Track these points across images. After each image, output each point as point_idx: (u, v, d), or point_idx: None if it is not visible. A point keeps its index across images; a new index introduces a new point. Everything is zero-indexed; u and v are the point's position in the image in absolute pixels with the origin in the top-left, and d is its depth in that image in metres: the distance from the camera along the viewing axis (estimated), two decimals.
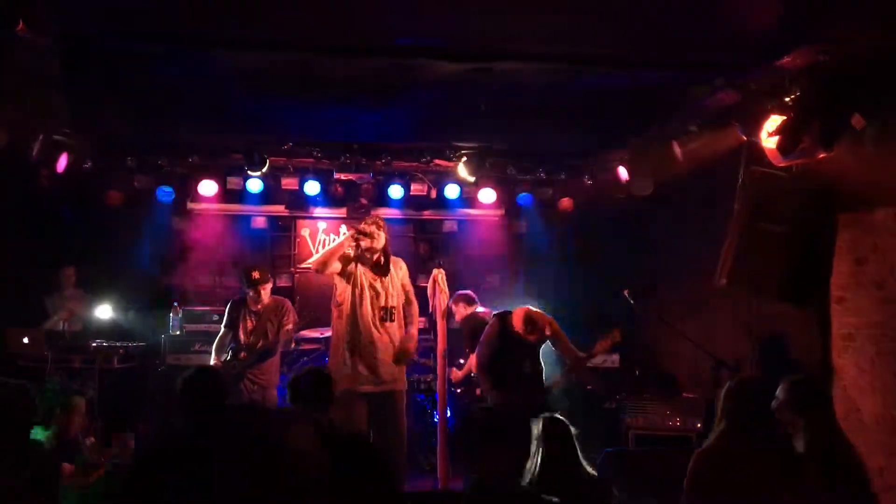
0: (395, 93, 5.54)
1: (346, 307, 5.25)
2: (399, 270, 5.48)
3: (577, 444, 3.53)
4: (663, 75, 4.99)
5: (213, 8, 4.11)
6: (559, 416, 3.60)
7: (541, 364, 5.46)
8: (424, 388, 6.84)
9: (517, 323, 5.30)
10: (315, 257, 5.30)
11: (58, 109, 5.57)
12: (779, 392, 3.35)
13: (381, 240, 5.32)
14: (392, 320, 5.33)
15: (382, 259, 5.36)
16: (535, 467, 3.37)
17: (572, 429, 3.57)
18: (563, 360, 5.61)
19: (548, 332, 5.36)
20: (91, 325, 7.24)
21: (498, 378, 5.39)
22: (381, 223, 5.37)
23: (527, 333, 5.27)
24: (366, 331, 5.22)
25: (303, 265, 8.46)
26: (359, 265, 5.29)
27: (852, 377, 4.80)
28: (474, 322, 6.32)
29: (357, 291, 5.25)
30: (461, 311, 6.54)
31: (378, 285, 5.31)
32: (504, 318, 5.45)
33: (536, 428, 3.49)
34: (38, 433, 3.97)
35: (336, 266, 5.26)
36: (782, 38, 4.21)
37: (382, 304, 5.29)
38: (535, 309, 5.45)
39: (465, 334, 6.43)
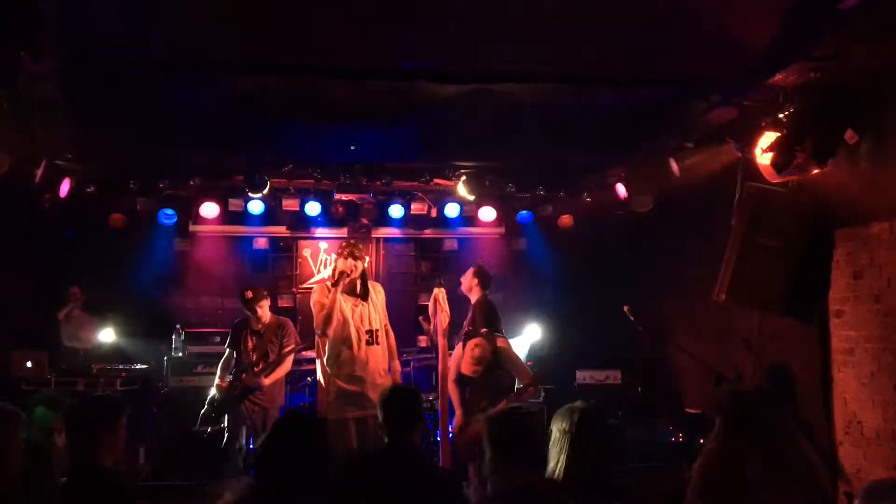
0: (394, 113, 5.59)
1: (330, 335, 5.24)
2: (378, 294, 5.49)
3: (610, 440, 3.15)
4: (659, 93, 5.04)
5: (214, 32, 4.18)
6: (590, 407, 3.08)
7: (503, 388, 5.56)
8: (426, 408, 6.84)
9: (466, 363, 5.51)
10: (318, 320, 5.28)
11: (60, 134, 5.62)
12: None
13: (359, 269, 5.34)
14: (377, 343, 5.35)
15: (360, 284, 5.37)
16: (559, 468, 2.96)
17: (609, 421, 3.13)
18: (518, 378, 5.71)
19: (490, 360, 5.48)
20: (98, 349, 7.28)
21: (462, 402, 5.57)
22: (358, 251, 5.35)
23: (474, 370, 5.48)
24: (350, 357, 5.22)
25: (304, 286, 8.50)
26: (337, 293, 5.27)
27: (853, 391, 4.81)
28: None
29: (339, 319, 5.25)
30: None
31: (359, 310, 5.33)
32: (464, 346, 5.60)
33: (562, 422, 3.03)
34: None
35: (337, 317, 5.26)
36: (775, 55, 4.25)
37: (367, 327, 5.32)
38: (480, 342, 5.54)
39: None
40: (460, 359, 5.61)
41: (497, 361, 5.54)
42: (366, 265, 5.48)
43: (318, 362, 5.45)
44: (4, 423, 3.05)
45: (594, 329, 7.67)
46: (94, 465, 2.99)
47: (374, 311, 5.39)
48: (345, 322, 5.25)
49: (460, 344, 5.78)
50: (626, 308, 5.92)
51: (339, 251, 5.37)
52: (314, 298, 5.34)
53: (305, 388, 7.15)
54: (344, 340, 5.23)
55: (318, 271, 8.56)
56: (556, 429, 3.03)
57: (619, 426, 6.25)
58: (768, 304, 5.12)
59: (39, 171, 5.88)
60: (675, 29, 4.18)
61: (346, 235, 8.45)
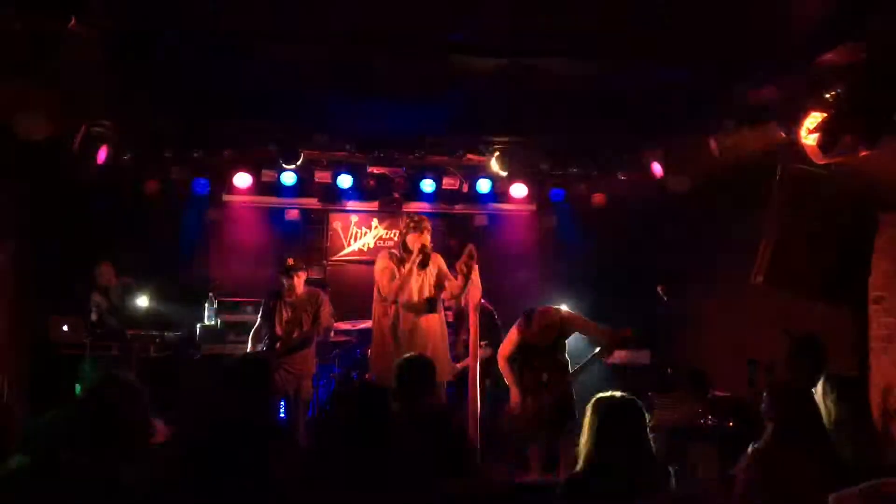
0: (429, 87, 5.56)
1: (394, 302, 5.38)
2: (435, 262, 5.58)
3: (642, 421, 2.99)
4: (703, 71, 4.95)
5: (253, 1, 4.17)
6: (617, 396, 3.08)
7: (563, 363, 5.59)
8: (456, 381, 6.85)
9: (532, 334, 5.49)
10: (393, 288, 5.41)
11: (99, 101, 5.66)
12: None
13: (428, 242, 5.47)
14: (435, 311, 5.50)
15: (423, 255, 5.46)
16: (591, 455, 2.94)
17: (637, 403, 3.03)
18: (594, 341, 5.71)
19: (559, 328, 5.51)
20: (132, 315, 7.33)
21: (518, 381, 5.59)
22: (427, 224, 5.49)
23: (541, 341, 5.48)
24: (414, 324, 5.36)
25: (335, 258, 8.55)
26: (415, 266, 5.42)
27: (891, 378, 4.74)
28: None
29: (404, 287, 5.37)
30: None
31: (421, 279, 5.47)
32: (527, 319, 5.54)
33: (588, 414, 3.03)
34: None
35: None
36: (824, 34, 4.15)
37: (427, 295, 5.46)
38: (548, 310, 5.58)
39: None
40: (517, 335, 5.62)
41: (564, 331, 5.57)
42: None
43: (373, 330, 5.56)
44: None
45: (625, 308, 7.61)
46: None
47: (433, 279, 5.51)
48: (410, 291, 5.40)
49: (518, 323, 5.75)
50: (660, 288, 5.87)
51: (409, 226, 5.47)
52: (381, 265, 5.47)
53: (335, 359, 7.21)
54: (408, 309, 5.37)
55: (349, 244, 8.59)
56: (586, 422, 3.02)
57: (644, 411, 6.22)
58: (806, 288, 5.05)
59: (78, 138, 5.93)
60: (722, 5, 4.09)
61: (377, 209, 8.46)
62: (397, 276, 5.38)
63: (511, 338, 5.68)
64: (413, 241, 5.42)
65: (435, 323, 5.49)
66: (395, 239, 5.53)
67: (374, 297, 5.52)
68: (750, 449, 3.48)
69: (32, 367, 6.56)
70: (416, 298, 5.40)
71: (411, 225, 5.48)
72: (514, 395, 5.57)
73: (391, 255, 5.55)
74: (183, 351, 7.18)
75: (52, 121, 5.23)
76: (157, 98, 5.95)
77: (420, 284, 5.45)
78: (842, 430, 3.60)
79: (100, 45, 4.42)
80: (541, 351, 5.53)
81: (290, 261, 6.10)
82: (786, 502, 3.03)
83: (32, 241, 6.88)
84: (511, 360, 5.62)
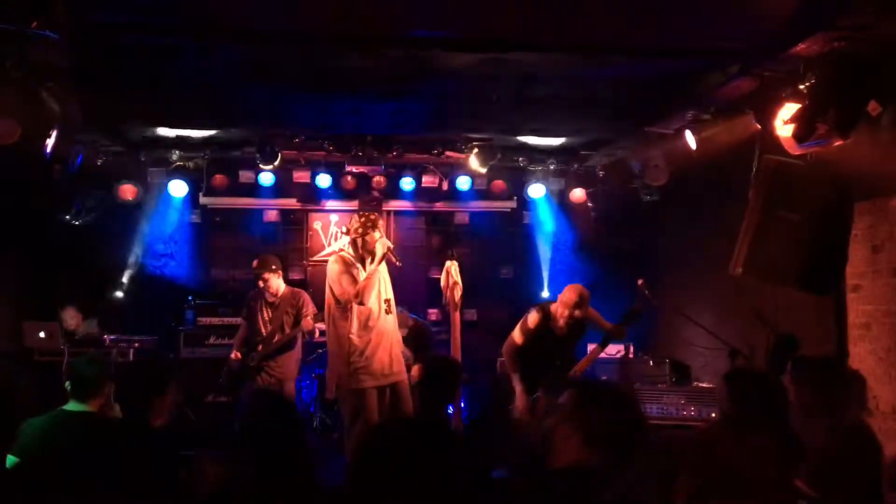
0: (407, 84, 5.53)
1: (364, 305, 5.24)
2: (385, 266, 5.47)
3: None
4: (677, 64, 4.96)
5: None
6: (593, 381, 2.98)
7: (574, 357, 5.55)
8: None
9: (556, 323, 5.36)
10: (359, 290, 5.17)
11: (70, 104, 5.57)
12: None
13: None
14: (391, 313, 5.38)
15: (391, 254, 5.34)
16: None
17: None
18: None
19: (582, 319, 5.44)
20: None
21: (526, 374, 5.44)
22: (379, 222, 5.32)
23: (563, 330, 5.39)
24: (372, 326, 5.21)
25: (315, 258, 8.50)
26: (378, 266, 5.28)
27: (868, 366, 4.78)
28: None
29: (368, 289, 5.22)
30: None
31: (379, 281, 5.31)
32: (545, 309, 5.46)
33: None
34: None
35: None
36: (798, 25, 4.16)
37: (385, 297, 5.34)
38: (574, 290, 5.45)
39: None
40: (535, 326, 5.43)
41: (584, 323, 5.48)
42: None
43: (328, 333, 5.41)
44: None
45: (607, 303, 7.63)
46: (145, 426, 3.04)
47: (387, 280, 5.40)
48: (373, 293, 5.26)
49: (533, 315, 5.53)
50: (640, 282, 5.87)
51: (367, 225, 5.26)
52: (339, 269, 5.20)
53: (317, 359, 7.17)
54: (367, 310, 5.22)
55: (329, 244, 8.55)
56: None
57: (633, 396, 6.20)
58: (785, 278, 5.04)
59: (51, 141, 5.84)
60: None
61: (356, 208, 8.42)
62: (359, 278, 5.17)
63: (524, 331, 5.50)
64: (375, 240, 5.21)
65: (392, 324, 5.35)
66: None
67: (328, 302, 5.27)
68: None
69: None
70: (376, 300, 5.26)
71: (368, 224, 5.24)
72: (520, 396, 5.38)
73: (344, 258, 5.30)
74: (162, 355, 7.11)
75: (21, 124, 5.14)
76: (130, 100, 5.87)
77: (379, 286, 5.30)
78: (814, 416, 3.59)
79: (70, 45, 4.36)
80: (556, 343, 5.43)
81: (255, 262, 6.00)
82: (731, 487, 2.98)
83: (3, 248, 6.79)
84: (520, 355, 5.47)
